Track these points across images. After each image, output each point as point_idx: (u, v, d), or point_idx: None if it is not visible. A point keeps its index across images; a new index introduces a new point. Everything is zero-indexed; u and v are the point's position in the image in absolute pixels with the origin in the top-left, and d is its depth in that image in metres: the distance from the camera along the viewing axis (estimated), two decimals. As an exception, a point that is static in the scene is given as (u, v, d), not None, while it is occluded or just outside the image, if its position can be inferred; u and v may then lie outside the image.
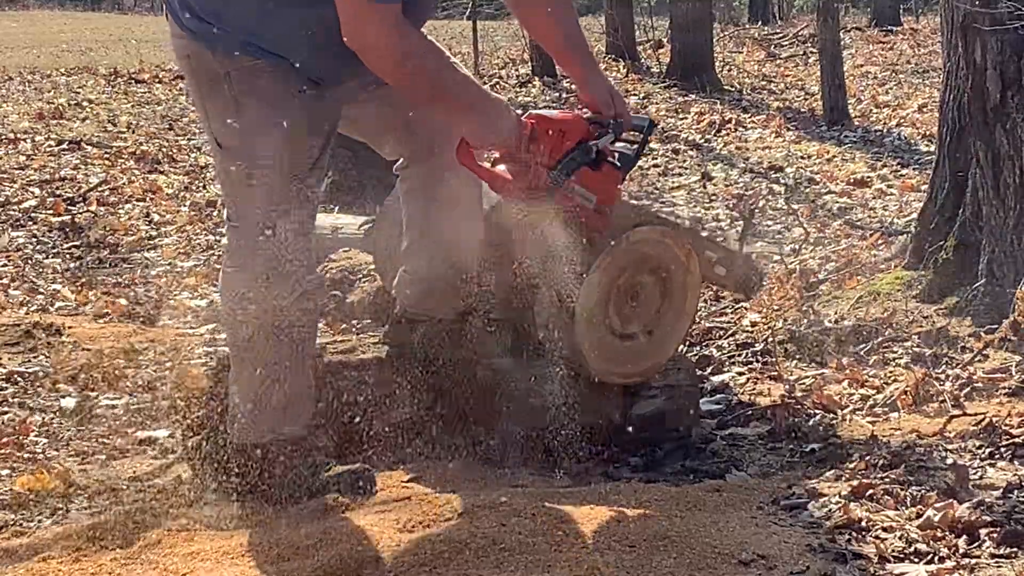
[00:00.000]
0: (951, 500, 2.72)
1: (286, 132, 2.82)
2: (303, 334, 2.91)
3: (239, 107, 2.82)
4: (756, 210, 6.37)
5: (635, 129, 3.05)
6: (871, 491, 2.84)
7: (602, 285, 3.13)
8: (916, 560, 2.53)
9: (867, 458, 3.07)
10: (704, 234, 3.93)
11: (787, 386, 3.76)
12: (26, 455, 3.41)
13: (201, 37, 2.84)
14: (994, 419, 3.26)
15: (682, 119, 10.73)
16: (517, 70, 14.70)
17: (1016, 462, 3.04)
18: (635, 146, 3.03)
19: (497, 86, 12.77)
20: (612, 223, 3.04)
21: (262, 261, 2.84)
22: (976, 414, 3.34)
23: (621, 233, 3.13)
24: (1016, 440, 3.13)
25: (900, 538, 2.61)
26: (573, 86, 12.34)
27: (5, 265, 5.84)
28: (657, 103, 11.68)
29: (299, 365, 2.92)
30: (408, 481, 3.03)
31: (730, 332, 4.36)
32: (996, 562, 2.51)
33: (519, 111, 2.92)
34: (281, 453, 2.92)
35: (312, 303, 2.92)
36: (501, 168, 2.91)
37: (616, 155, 2.96)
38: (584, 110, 3.09)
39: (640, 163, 8.52)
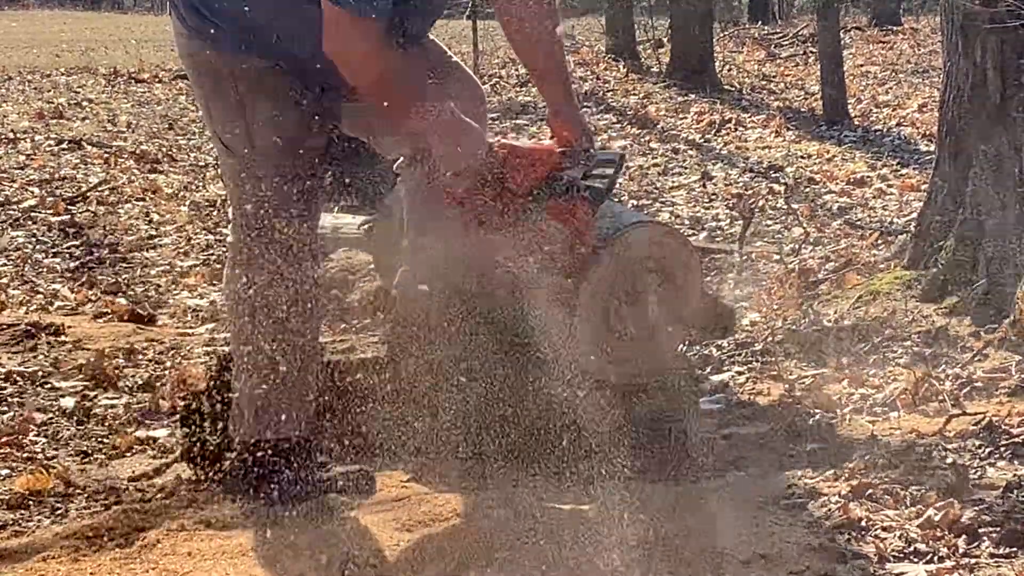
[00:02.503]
0: (951, 500, 2.73)
1: (289, 131, 2.82)
2: (305, 333, 2.91)
3: (242, 106, 2.82)
4: (756, 210, 6.37)
5: (606, 163, 3.01)
6: (871, 491, 2.84)
7: (602, 284, 3.13)
8: (916, 560, 2.53)
9: (867, 458, 3.07)
10: None
11: (787, 386, 3.76)
12: (26, 455, 3.41)
13: (204, 36, 2.84)
14: (994, 419, 3.26)
15: (682, 119, 10.73)
16: (517, 69, 14.67)
17: (1016, 462, 3.04)
18: (606, 179, 2.98)
19: (497, 86, 12.78)
20: (584, 254, 3.02)
21: (266, 260, 2.84)
22: (976, 414, 3.34)
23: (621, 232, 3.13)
24: (1016, 440, 3.13)
25: (900, 538, 2.61)
26: (573, 84, 12.26)
27: (5, 265, 5.84)
28: (657, 103, 11.68)
29: (301, 365, 2.92)
30: (407, 481, 3.03)
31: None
32: (996, 562, 2.51)
33: (496, 137, 2.91)
34: (282, 453, 2.91)
35: (315, 302, 2.92)
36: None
37: (586, 187, 2.93)
38: (555, 141, 3.08)
39: (640, 162, 8.54)
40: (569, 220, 2.92)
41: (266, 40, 2.80)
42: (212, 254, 6.01)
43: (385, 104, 2.81)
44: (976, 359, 3.80)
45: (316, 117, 2.87)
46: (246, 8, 2.79)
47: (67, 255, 6.09)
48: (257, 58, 2.81)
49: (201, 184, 7.96)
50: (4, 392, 3.93)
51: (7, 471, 3.29)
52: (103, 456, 3.45)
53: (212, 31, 2.82)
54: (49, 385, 4.00)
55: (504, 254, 2.97)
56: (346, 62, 2.71)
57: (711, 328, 3.73)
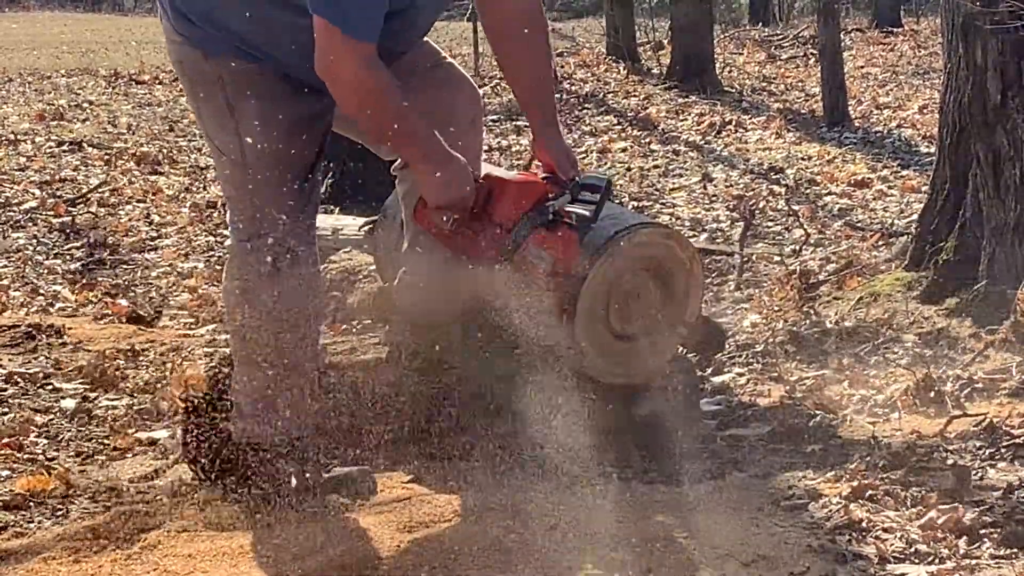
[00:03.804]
0: (952, 501, 2.73)
1: (282, 133, 2.82)
2: (306, 335, 2.91)
3: (234, 110, 2.82)
4: (756, 211, 6.38)
5: (592, 189, 2.95)
6: (871, 492, 2.84)
7: (603, 285, 3.13)
8: (917, 561, 2.53)
9: (867, 459, 3.07)
10: None
11: (787, 387, 3.76)
12: (26, 456, 3.41)
13: (193, 41, 2.84)
14: (995, 420, 3.26)
15: (682, 120, 10.73)
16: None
17: (1017, 463, 3.04)
18: (593, 206, 2.91)
19: (497, 87, 12.78)
20: (571, 284, 3.01)
21: (265, 262, 2.84)
22: (977, 415, 3.34)
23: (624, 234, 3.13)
24: (1017, 441, 3.13)
25: (901, 539, 2.61)
26: (573, 86, 12.25)
27: (6, 266, 5.84)
28: (657, 104, 11.68)
29: (302, 366, 2.91)
30: (408, 482, 3.03)
31: (730, 333, 4.36)
32: (996, 563, 2.51)
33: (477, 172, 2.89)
34: (283, 454, 2.91)
35: (315, 303, 2.92)
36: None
37: (573, 215, 2.89)
38: (540, 170, 3.06)
39: (641, 164, 8.54)
40: (555, 248, 2.89)
41: (253, 45, 2.80)
42: (213, 255, 6.01)
43: (374, 129, 2.79)
44: (977, 360, 3.80)
45: (308, 118, 2.86)
46: (232, 14, 2.78)
47: (68, 257, 6.10)
48: (245, 62, 2.81)
49: (202, 186, 7.96)
50: (5, 393, 3.93)
51: (8, 472, 3.29)
52: (104, 457, 3.45)
53: (200, 36, 2.82)
54: (50, 386, 4.00)
55: (492, 287, 2.95)
56: (337, 83, 2.69)
57: (702, 346, 3.71)
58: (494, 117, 9.76)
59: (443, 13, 3.14)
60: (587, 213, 2.88)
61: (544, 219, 2.86)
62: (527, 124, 3.20)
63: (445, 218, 2.85)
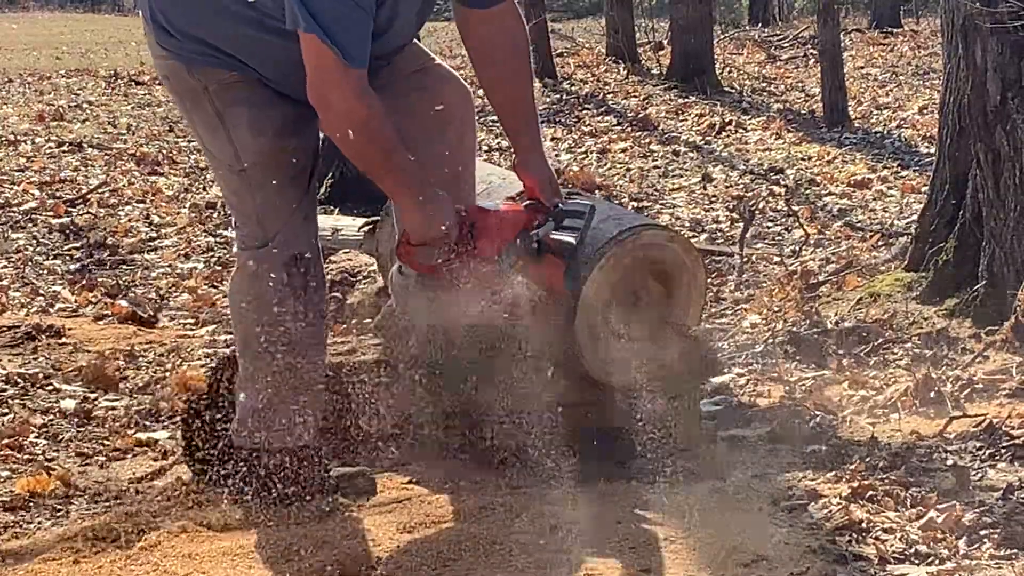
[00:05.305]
0: (952, 501, 2.73)
1: (273, 136, 2.82)
2: (310, 339, 2.91)
3: (223, 119, 2.83)
4: (756, 212, 6.38)
5: (576, 215, 2.91)
6: (871, 492, 2.84)
7: (604, 285, 3.13)
8: (916, 561, 2.53)
9: (867, 459, 3.07)
10: None
11: (787, 387, 3.76)
12: (26, 457, 3.42)
13: (176, 55, 2.84)
14: (994, 420, 3.26)
15: (682, 121, 10.73)
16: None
17: (1016, 463, 3.04)
18: (576, 232, 2.87)
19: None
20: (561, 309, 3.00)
21: (267, 266, 2.84)
22: (976, 415, 3.34)
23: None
24: (1016, 441, 3.14)
25: (900, 539, 2.61)
26: (573, 87, 12.21)
27: (6, 267, 5.84)
28: (657, 105, 11.68)
29: (306, 369, 2.91)
30: (408, 483, 3.03)
31: (730, 333, 4.36)
32: (996, 563, 2.51)
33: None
34: (285, 457, 2.91)
35: (319, 308, 2.92)
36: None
37: (558, 243, 2.86)
38: (523, 197, 3.04)
39: (640, 164, 8.54)
40: (541, 277, 2.87)
41: (235, 58, 2.80)
42: (213, 256, 6.01)
43: (359, 159, 2.79)
44: (977, 361, 3.80)
45: (297, 122, 2.86)
46: (214, 31, 2.79)
47: (68, 257, 6.10)
48: (228, 72, 2.82)
49: (201, 186, 7.96)
50: (5, 394, 3.93)
51: (8, 473, 3.29)
52: (104, 458, 3.45)
53: (182, 49, 2.82)
54: (50, 387, 4.01)
55: (481, 316, 2.95)
56: (327, 108, 2.69)
57: (692, 368, 3.70)
58: (494, 117, 9.76)
59: (429, 16, 3.11)
60: (572, 240, 2.84)
61: (529, 249, 2.84)
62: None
63: (429, 254, 2.84)
